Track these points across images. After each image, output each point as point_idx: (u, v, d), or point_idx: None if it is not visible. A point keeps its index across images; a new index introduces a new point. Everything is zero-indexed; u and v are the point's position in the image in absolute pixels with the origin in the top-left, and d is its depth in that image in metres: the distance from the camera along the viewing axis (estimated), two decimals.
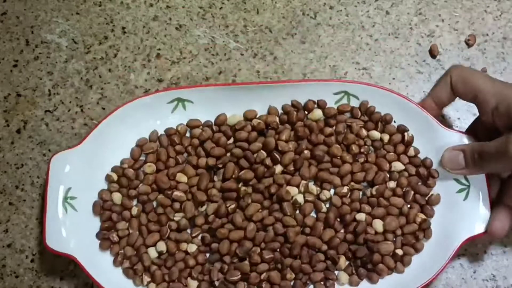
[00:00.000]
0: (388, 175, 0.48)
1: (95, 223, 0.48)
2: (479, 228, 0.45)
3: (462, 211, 0.46)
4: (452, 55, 0.55)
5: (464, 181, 0.47)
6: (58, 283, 0.49)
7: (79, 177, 0.47)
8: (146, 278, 0.47)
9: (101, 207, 0.48)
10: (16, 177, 0.52)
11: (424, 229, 0.47)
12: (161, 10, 0.57)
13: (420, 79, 0.54)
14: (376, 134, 0.49)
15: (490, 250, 0.49)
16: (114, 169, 0.49)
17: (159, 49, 0.56)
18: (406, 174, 0.48)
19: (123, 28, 0.57)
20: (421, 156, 0.49)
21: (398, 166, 0.48)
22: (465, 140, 0.47)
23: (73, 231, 0.46)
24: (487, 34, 0.56)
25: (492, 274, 0.48)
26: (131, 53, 0.56)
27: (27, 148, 0.53)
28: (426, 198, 0.48)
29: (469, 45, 0.55)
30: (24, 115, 0.54)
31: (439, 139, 0.48)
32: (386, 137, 0.49)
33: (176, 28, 0.57)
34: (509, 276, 0.48)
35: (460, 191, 0.47)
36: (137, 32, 0.57)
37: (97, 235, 0.47)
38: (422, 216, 0.47)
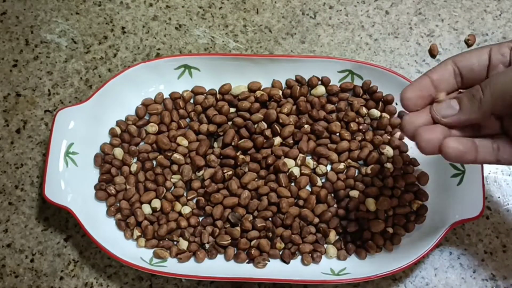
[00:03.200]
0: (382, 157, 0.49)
1: (94, 180, 0.50)
2: (470, 213, 0.45)
3: (455, 195, 0.47)
4: (452, 55, 0.55)
5: (459, 166, 0.47)
6: (58, 283, 0.49)
7: (82, 134, 0.49)
8: (137, 232, 0.48)
9: (102, 159, 0.50)
10: (16, 177, 0.52)
11: (420, 215, 0.48)
12: (160, 10, 0.57)
13: None
14: (376, 112, 0.50)
15: (489, 250, 0.49)
16: (118, 123, 0.51)
17: (159, 49, 0.56)
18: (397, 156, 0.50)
19: (123, 28, 0.57)
20: None
21: (389, 151, 0.50)
22: None
23: (71, 185, 0.47)
24: (487, 34, 0.56)
25: (492, 274, 0.48)
26: (131, 53, 0.56)
27: (27, 148, 0.53)
28: (416, 182, 0.49)
29: (468, 44, 0.55)
30: (24, 115, 0.54)
31: None
32: (385, 117, 0.50)
33: (176, 28, 0.57)
34: (509, 276, 0.48)
35: (455, 175, 0.47)
36: (137, 32, 0.57)
37: (95, 186, 0.49)
38: (419, 202, 0.48)
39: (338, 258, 0.47)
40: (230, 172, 0.49)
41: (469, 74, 0.36)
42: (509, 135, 0.36)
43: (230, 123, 0.50)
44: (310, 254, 0.47)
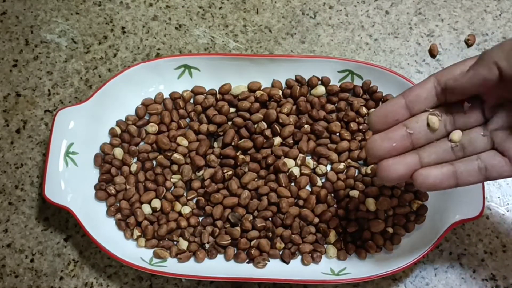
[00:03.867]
0: None
1: (94, 180, 0.50)
2: (470, 213, 0.45)
3: (455, 195, 0.46)
4: (452, 54, 0.55)
5: None
6: (58, 283, 0.49)
7: (82, 134, 0.49)
8: (137, 232, 0.48)
9: (102, 159, 0.50)
10: (16, 177, 0.52)
11: (419, 215, 0.48)
12: (160, 10, 0.57)
13: (419, 79, 0.54)
14: None
15: (489, 250, 0.49)
16: (118, 123, 0.51)
17: (159, 49, 0.56)
18: None
19: (123, 28, 0.57)
20: None
21: None
22: None
23: (71, 185, 0.47)
24: (487, 34, 0.56)
25: (492, 274, 0.48)
26: (131, 53, 0.56)
27: (27, 148, 0.53)
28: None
29: (468, 44, 0.55)
30: (24, 115, 0.54)
31: None
32: None
33: (176, 28, 0.57)
34: (509, 276, 0.48)
35: None
36: (137, 32, 0.57)
37: (95, 186, 0.49)
38: (419, 202, 0.48)
39: (338, 258, 0.47)
40: (230, 172, 0.49)
41: (455, 85, 0.35)
42: (500, 150, 0.35)
43: (230, 123, 0.50)
44: (310, 254, 0.47)
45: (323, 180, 0.50)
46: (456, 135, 0.36)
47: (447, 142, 0.36)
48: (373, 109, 0.35)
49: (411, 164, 0.35)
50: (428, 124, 0.36)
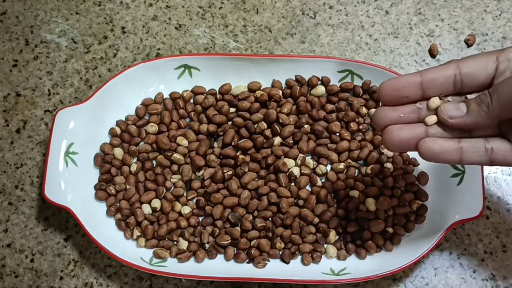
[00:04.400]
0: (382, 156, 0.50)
1: (94, 180, 0.50)
2: (470, 213, 0.45)
3: (455, 195, 0.47)
4: (452, 54, 0.55)
5: (459, 166, 0.47)
6: (58, 283, 0.49)
7: (82, 134, 0.49)
8: (137, 232, 0.48)
9: (102, 159, 0.50)
10: (16, 177, 0.52)
11: (419, 215, 0.48)
12: (160, 10, 0.57)
13: None
14: None
15: (489, 250, 0.49)
16: (118, 123, 0.51)
17: (159, 49, 0.56)
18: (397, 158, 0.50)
19: (123, 27, 0.57)
20: None
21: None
22: None
23: (71, 185, 0.47)
24: (487, 34, 0.56)
25: (492, 274, 0.48)
26: (131, 53, 0.56)
27: (27, 148, 0.53)
28: (416, 182, 0.49)
29: (468, 44, 0.55)
30: (24, 115, 0.54)
31: None
32: None
33: (176, 28, 0.57)
34: (509, 276, 0.48)
35: (455, 175, 0.47)
36: (137, 32, 0.57)
37: (95, 186, 0.49)
38: (419, 202, 0.48)
39: (338, 258, 0.47)
40: (230, 172, 0.49)
41: (471, 80, 0.35)
42: (507, 137, 0.35)
43: (230, 123, 0.50)
44: (310, 254, 0.47)
45: (323, 180, 0.50)
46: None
47: None
48: (389, 80, 0.35)
49: (416, 132, 0.35)
50: (437, 112, 0.36)
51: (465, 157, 0.35)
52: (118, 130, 0.51)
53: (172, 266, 0.46)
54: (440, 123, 0.36)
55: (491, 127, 0.36)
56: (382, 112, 0.36)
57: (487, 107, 0.34)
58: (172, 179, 0.50)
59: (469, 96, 0.36)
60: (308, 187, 0.50)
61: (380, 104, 0.50)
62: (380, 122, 0.36)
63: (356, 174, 0.50)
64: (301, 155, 0.49)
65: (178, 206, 0.49)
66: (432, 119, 0.36)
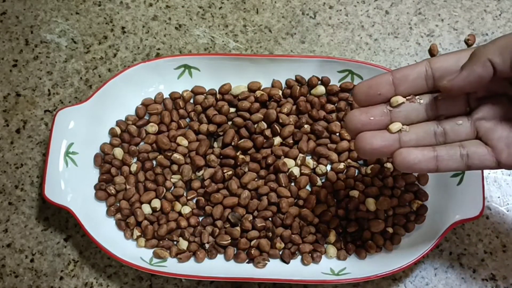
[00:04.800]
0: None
1: (94, 180, 0.50)
2: (470, 213, 0.45)
3: (455, 195, 0.47)
4: None
5: None
6: (58, 283, 0.49)
7: (82, 134, 0.49)
8: (137, 232, 0.48)
9: (102, 159, 0.50)
10: (16, 177, 0.52)
11: (419, 215, 0.48)
12: (160, 10, 0.57)
13: None
14: None
15: (489, 250, 0.49)
16: (118, 123, 0.51)
17: (159, 49, 0.56)
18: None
19: (123, 27, 0.57)
20: None
21: None
22: None
23: (71, 185, 0.47)
24: (487, 34, 0.56)
25: (492, 274, 0.48)
26: (131, 53, 0.56)
27: (27, 148, 0.53)
28: (416, 182, 0.49)
29: (468, 44, 0.55)
30: (24, 115, 0.54)
31: None
32: None
33: (176, 28, 0.57)
34: (509, 276, 0.48)
35: (455, 175, 0.47)
36: (137, 31, 0.57)
37: (95, 186, 0.49)
38: (419, 202, 0.48)
39: (338, 258, 0.47)
40: (230, 172, 0.49)
41: (440, 72, 0.34)
42: (485, 140, 0.35)
43: (230, 123, 0.50)
44: (310, 254, 0.47)
45: (323, 180, 0.50)
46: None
47: (429, 125, 0.35)
48: (359, 83, 0.35)
49: (389, 139, 0.35)
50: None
51: (441, 165, 0.34)
52: (118, 130, 0.51)
53: (172, 266, 0.47)
54: (411, 130, 0.35)
55: (469, 133, 0.35)
56: (352, 116, 0.35)
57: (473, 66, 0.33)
58: (172, 179, 0.50)
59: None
60: (308, 187, 0.50)
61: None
62: (351, 127, 0.36)
63: (356, 174, 0.50)
64: (301, 155, 0.49)
65: (178, 206, 0.49)
66: (396, 126, 0.35)
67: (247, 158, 0.49)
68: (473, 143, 0.35)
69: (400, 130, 0.35)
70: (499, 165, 0.34)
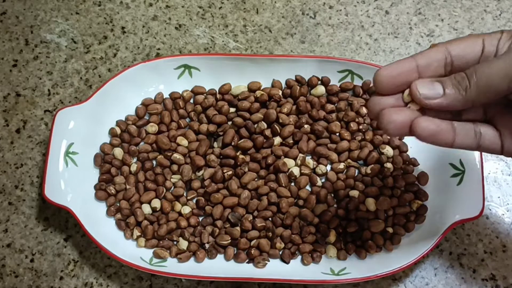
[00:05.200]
0: (381, 156, 0.50)
1: (94, 180, 0.50)
2: (470, 213, 0.45)
3: (455, 195, 0.47)
4: None
5: (459, 166, 0.47)
6: (58, 283, 0.49)
7: (82, 134, 0.49)
8: (137, 232, 0.48)
9: (102, 159, 0.50)
10: (16, 177, 0.52)
11: (419, 215, 0.48)
12: (160, 10, 0.57)
13: None
14: None
15: (489, 250, 0.49)
16: (118, 123, 0.51)
17: (159, 49, 0.56)
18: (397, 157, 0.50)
19: (123, 27, 0.57)
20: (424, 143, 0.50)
21: (389, 150, 0.50)
22: None
23: (71, 185, 0.47)
24: None
25: (492, 274, 0.48)
26: (131, 53, 0.56)
27: (27, 148, 0.53)
28: (416, 182, 0.49)
29: None
30: (24, 115, 0.54)
31: None
32: None
33: (176, 28, 0.57)
34: (508, 276, 0.48)
35: (455, 175, 0.47)
36: (137, 31, 0.57)
37: (95, 186, 0.49)
38: (419, 202, 0.48)
39: (338, 258, 0.47)
40: (230, 172, 0.49)
41: (460, 61, 0.34)
42: (492, 123, 0.34)
43: (230, 123, 0.50)
44: (310, 254, 0.47)
45: (323, 180, 0.50)
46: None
47: None
48: (383, 67, 0.34)
49: (412, 115, 0.34)
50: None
51: (458, 139, 0.34)
52: (118, 130, 0.51)
53: (172, 266, 0.46)
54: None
55: (475, 112, 0.35)
56: (377, 100, 0.34)
57: (465, 91, 0.32)
58: (172, 179, 0.50)
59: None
60: (308, 187, 0.50)
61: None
62: (376, 109, 0.34)
63: (356, 174, 0.50)
64: (301, 155, 0.49)
65: (178, 206, 0.49)
66: (406, 94, 0.34)
67: (247, 158, 0.49)
68: (484, 124, 0.35)
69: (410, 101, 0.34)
70: (502, 150, 0.34)
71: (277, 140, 0.50)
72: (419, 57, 0.34)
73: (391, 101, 0.34)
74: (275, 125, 0.50)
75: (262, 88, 0.52)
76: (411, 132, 0.33)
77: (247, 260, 0.47)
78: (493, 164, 0.52)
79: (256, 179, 0.49)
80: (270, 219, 0.48)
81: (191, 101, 0.52)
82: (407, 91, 0.34)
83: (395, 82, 0.34)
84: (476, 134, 0.34)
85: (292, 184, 0.49)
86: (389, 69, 0.34)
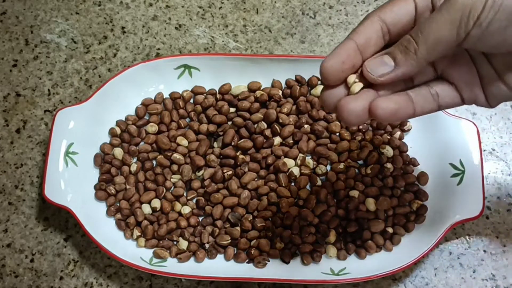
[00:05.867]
0: (382, 157, 0.50)
1: (94, 180, 0.50)
2: (470, 213, 0.45)
3: (455, 195, 0.47)
4: None
5: (459, 166, 0.47)
6: (58, 283, 0.49)
7: (82, 134, 0.49)
8: (137, 232, 0.48)
9: (102, 159, 0.50)
10: (16, 177, 0.52)
11: (419, 215, 0.48)
12: (160, 10, 0.57)
13: None
14: None
15: (489, 250, 0.49)
16: (118, 123, 0.51)
17: (159, 49, 0.56)
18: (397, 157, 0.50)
19: (123, 27, 0.57)
20: (424, 143, 0.50)
21: (389, 150, 0.50)
22: (466, 126, 0.48)
23: (71, 185, 0.47)
24: None
25: (492, 273, 0.48)
26: (131, 53, 0.56)
27: (27, 148, 0.53)
28: (416, 182, 0.49)
29: None
30: (24, 115, 0.54)
31: (440, 126, 0.49)
32: None
33: (176, 28, 0.57)
34: (508, 276, 0.48)
35: (454, 175, 0.47)
36: (137, 31, 0.57)
37: (95, 186, 0.49)
38: (419, 202, 0.48)
39: (338, 258, 0.47)
40: (230, 172, 0.49)
41: (396, 27, 0.32)
42: (445, 78, 0.34)
43: (230, 123, 0.50)
44: (310, 254, 0.47)
45: (323, 180, 0.50)
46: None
47: None
48: (325, 59, 0.32)
49: (369, 97, 0.32)
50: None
51: (418, 108, 0.33)
52: (118, 130, 0.51)
53: (172, 266, 0.47)
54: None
55: (425, 72, 0.34)
56: (329, 93, 0.33)
57: (415, 53, 0.31)
58: (172, 179, 0.50)
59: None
60: (308, 187, 0.50)
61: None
62: (331, 102, 0.33)
63: (356, 174, 0.50)
64: (301, 155, 0.49)
65: (178, 206, 0.49)
66: (352, 79, 0.33)
67: (247, 158, 0.49)
68: (438, 82, 0.34)
69: (354, 82, 0.33)
70: (463, 101, 0.34)
71: (277, 140, 0.50)
72: (356, 36, 0.33)
73: (343, 90, 0.33)
74: (275, 125, 0.50)
75: (262, 88, 0.52)
76: (371, 115, 0.32)
77: (247, 260, 0.47)
78: (493, 164, 0.52)
79: (256, 179, 0.49)
80: (270, 219, 0.48)
81: (191, 101, 0.52)
82: (351, 76, 0.33)
83: (342, 69, 0.33)
84: (434, 96, 0.33)
85: (292, 184, 0.49)
86: (332, 59, 0.33)
